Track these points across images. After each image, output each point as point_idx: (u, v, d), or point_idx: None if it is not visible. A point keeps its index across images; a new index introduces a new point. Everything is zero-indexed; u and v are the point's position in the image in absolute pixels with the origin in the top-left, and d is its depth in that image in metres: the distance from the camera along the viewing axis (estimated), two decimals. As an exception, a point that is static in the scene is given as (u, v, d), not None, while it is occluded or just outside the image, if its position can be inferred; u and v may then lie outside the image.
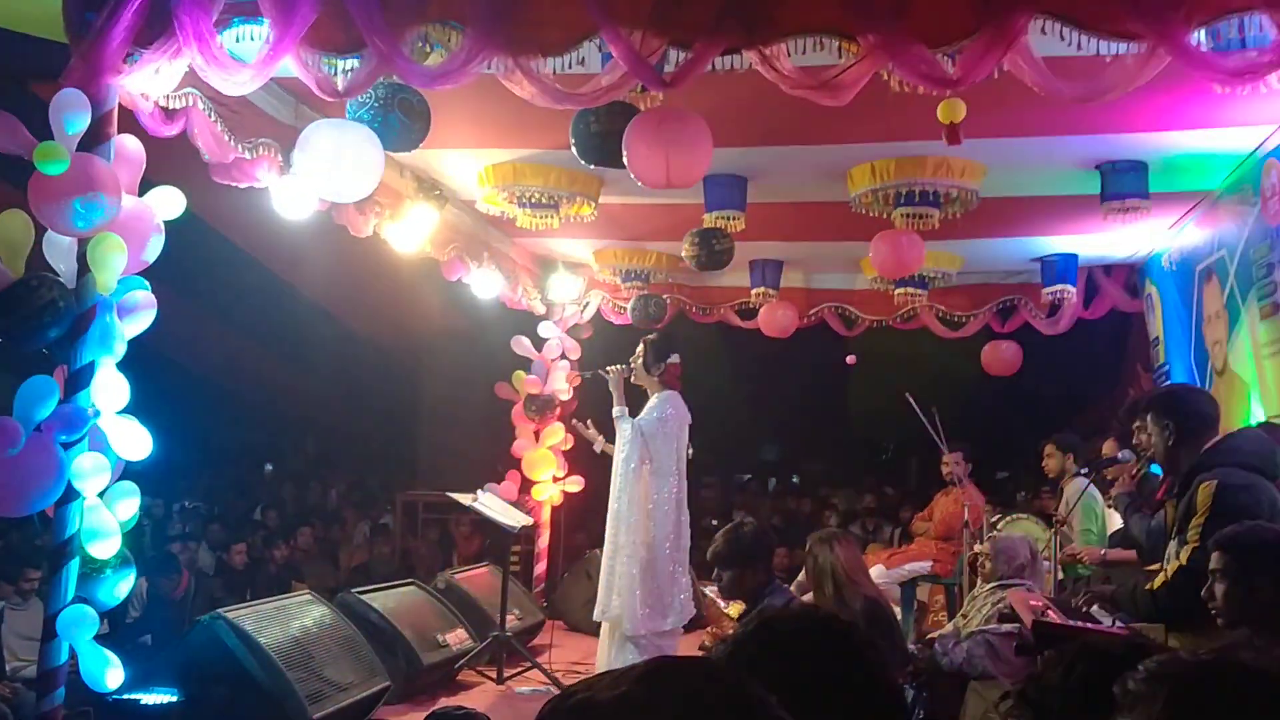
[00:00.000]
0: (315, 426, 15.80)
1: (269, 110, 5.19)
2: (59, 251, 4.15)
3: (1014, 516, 7.11)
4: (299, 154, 4.65)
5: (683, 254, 7.08)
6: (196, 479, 14.05)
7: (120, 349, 4.19)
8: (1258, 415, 6.22)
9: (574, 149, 5.08)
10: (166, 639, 6.69)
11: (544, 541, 9.41)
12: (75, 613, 4.10)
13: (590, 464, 8.49)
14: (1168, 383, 7.64)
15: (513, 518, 7.20)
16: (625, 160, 4.73)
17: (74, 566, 4.11)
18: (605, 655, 6.13)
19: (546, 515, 9.40)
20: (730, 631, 5.61)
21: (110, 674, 4.20)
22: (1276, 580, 3.12)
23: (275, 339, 12.22)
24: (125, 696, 4.37)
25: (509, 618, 6.84)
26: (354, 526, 12.19)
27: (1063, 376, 10.07)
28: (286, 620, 5.30)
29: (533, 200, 6.44)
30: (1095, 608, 4.66)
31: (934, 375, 10.17)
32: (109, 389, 4.14)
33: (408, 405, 12.88)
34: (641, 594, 5.98)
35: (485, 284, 7.96)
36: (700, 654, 6.38)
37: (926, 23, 3.66)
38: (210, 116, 4.68)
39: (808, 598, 4.97)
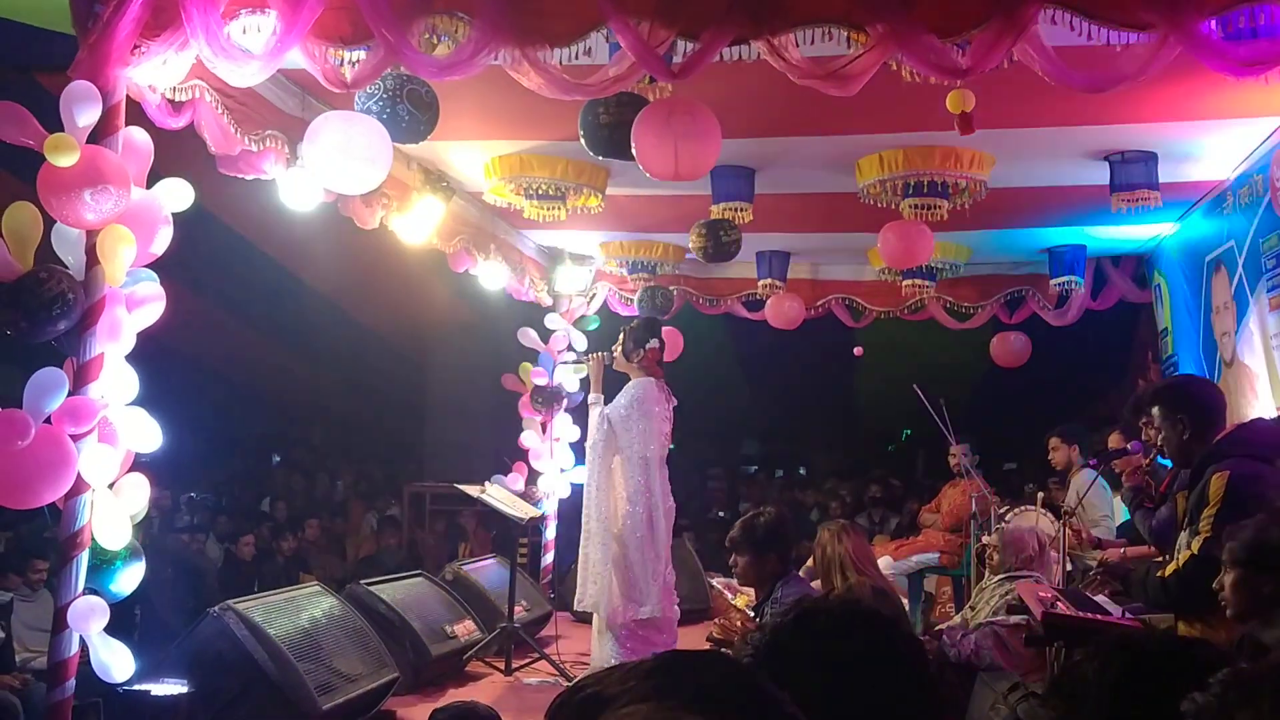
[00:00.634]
0: (322, 418, 15.83)
1: (276, 102, 5.18)
2: (68, 243, 4.15)
3: (1023, 508, 7.09)
4: (306, 146, 4.64)
5: (690, 245, 7.07)
6: (203, 471, 14.08)
7: (129, 341, 4.19)
8: (1267, 406, 6.21)
9: (582, 140, 5.07)
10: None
11: (551, 533, 9.41)
12: (86, 604, 4.11)
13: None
14: (1173, 376, 7.62)
15: (520, 509, 7.21)
16: (634, 152, 4.72)
17: (84, 558, 4.12)
18: (594, 644, 6.23)
19: (554, 507, 9.41)
20: (738, 623, 5.65)
21: (120, 665, 4.21)
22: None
23: (282, 330, 12.23)
24: (135, 688, 4.38)
25: (517, 609, 6.85)
26: (361, 518, 12.23)
27: (1071, 368, 10.05)
28: (295, 611, 5.31)
29: (540, 192, 6.43)
30: (1102, 597, 4.66)
31: (942, 366, 10.17)
32: (118, 381, 4.15)
33: (414, 397, 12.90)
34: (615, 583, 6.03)
35: (492, 276, 7.96)
36: (709, 646, 6.40)
37: (936, 12, 3.65)
38: (217, 108, 4.68)
39: (815, 586, 4.97)
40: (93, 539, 4.13)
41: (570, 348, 9.28)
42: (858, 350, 10.83)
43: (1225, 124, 5.67)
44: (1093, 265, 8.74)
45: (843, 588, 5.04)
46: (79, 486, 4.08)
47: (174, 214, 4.35)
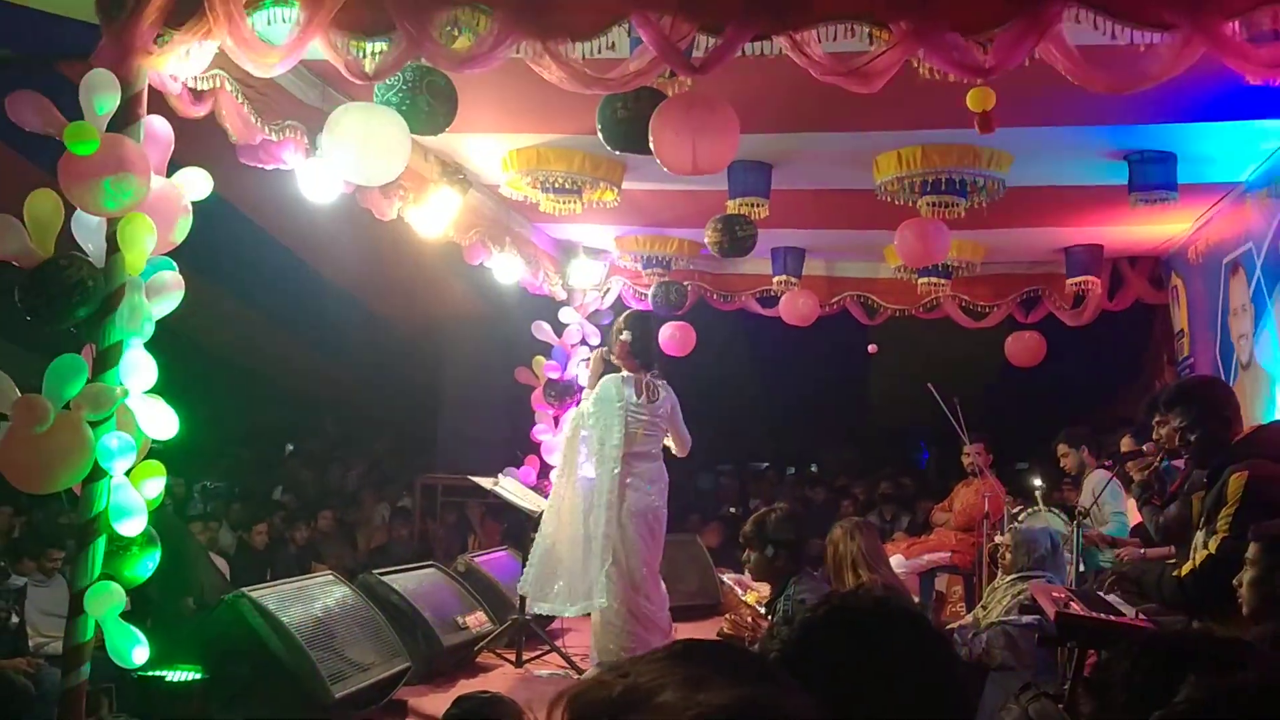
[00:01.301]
0: (335, 408, 15.86)
1: (296, 93, 5.20)
2: (88, 231, 4.17)
3: (1035, 509, 7.10)
4: (326, 136, 4.66)
5: (705, 240, 7.07)
6: (217, 459, 14.12)
7: (148, 329, 4.21)
8: (1283, 409, 6.18)
9: (600, 135, 5.07)
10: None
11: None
12: (102, 589, 4.13)
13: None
14: (1190, 376, 7.59)
15: (533, 502, 7.23)
16: (651, 146, 4.72)
17: (100, 544, 4.14)
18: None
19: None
20: (749, 619, 5.64)
21: (136, 651, 4.24)
22: None
23: (297, 321, 12.26)
24: (150, 674, 4.41)
25: (528, 602, 6.85)
26: (373, 508, 12.25)
27: (1086, 368, 10.01)
28: (309, 600, 5.34)
29: (556, 185, 6.43)
30: (1114, 597, 4.66)
31: (956, 365, 10.13)
32: (137, 368, 4.17)
33: (427, 388, 12.91)
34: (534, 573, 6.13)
35: (507, 269, 7.96)
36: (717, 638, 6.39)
37: (959, 10, 3.65)
38: (238, 98, 4.70)
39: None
40: (109, 525, 4.15)
41: (584, 342, 9.29)
42: (872, 348, 10.81)
43: (1244, 126, 5.65)
44: (1110, 265, 8.71)
45: (853, 585, 5.04)
46: (96, 473, 4.10)
47: (192, 203, 4.37)
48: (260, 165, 5.26)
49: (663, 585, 6.27)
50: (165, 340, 4.32)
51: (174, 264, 4.36)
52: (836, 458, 14.45)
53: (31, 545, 8.22)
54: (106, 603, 4.12)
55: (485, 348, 11.22)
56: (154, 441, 4.31)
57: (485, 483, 7.15)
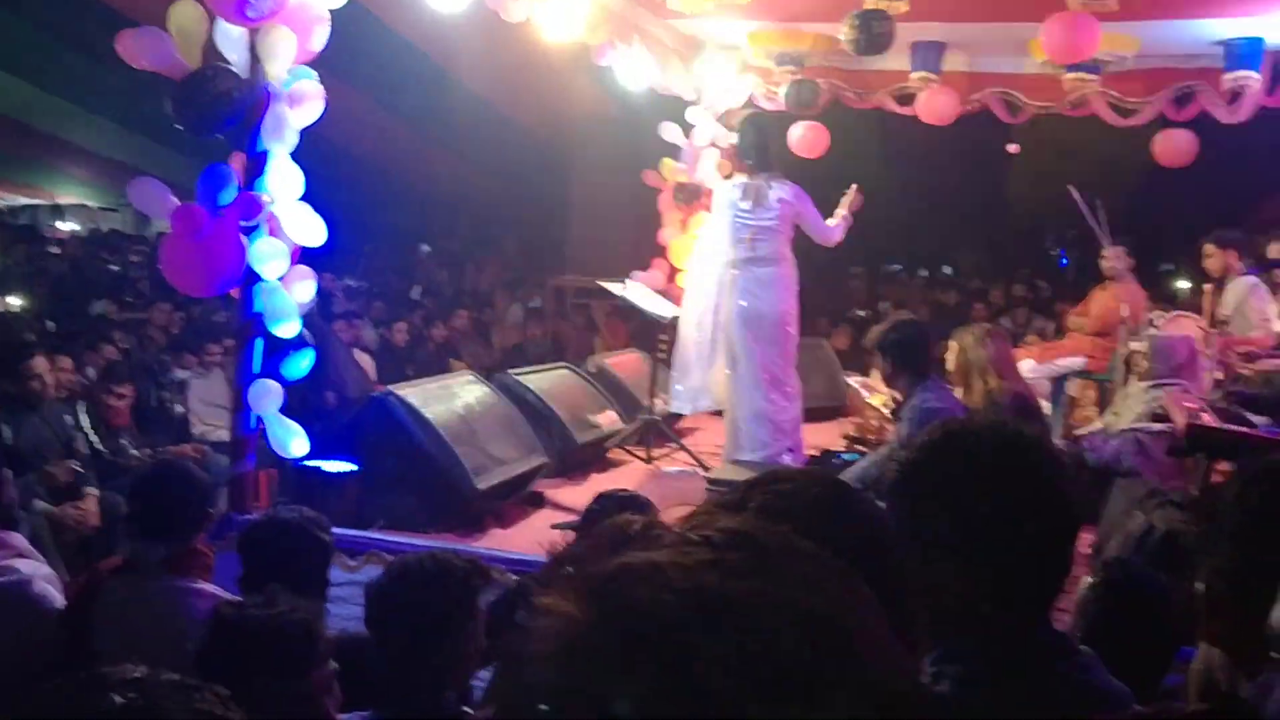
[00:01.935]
0: (469, 210, 16.11)
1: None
2: (230, 41, 4.27)
3: (1175, 314, 6.91)
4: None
5: (841, 38, 6.82)
6: (356, 259, 14.60)
7: (292, 139, 4.34)
8: None
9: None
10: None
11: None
12: (262, 386, 4.43)
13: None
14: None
15: (662, 308, 7.33)
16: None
17: (259, 344, 4.42)
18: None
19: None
20: (874, 421, 5.74)
21: (295, 442, 4.56)
22: None
23: (430, 124, 12.35)
24: (309, 463, 4.74)
25: (657, 402, 7.07)
26: (506, 309, 12.61)
27: (1239, 169, 9.50)
28: (450, 398, 5.59)
29: (687, -26, 6.24)
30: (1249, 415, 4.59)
31: (1101, 165, 9.73)
32: (284, 177, 4.33)
33: (556, 191, 13.00)
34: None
35: (635, 66, 7.83)
36: (845, 443, 6.52)
37: None
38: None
39: (958, 392, 5.00)
40: (266, 327, 4.41)
41: (713, 144, 9.18)
42: (1013, 147, 10.41)
43: None
44: (1271, 59, 8.13)
45: (982, 391, 5.05)
46: (251, 277, 4.33)
47: (330, 11, 4.42)
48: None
49: (792, 387, 6.33)
50: (307, 146, 4.46)
51: (314, 73, 4.45)
52: (970, 260, 14.18)
53: (191, 340, 8.77)
54: (267, 398, 4.42)
55: (613, 150, 11.18)
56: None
57: (614, 287, 7.26)
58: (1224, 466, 4.13)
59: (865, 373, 7.83)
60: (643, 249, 9.56)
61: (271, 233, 4.37)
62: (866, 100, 9.18)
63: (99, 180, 16.22)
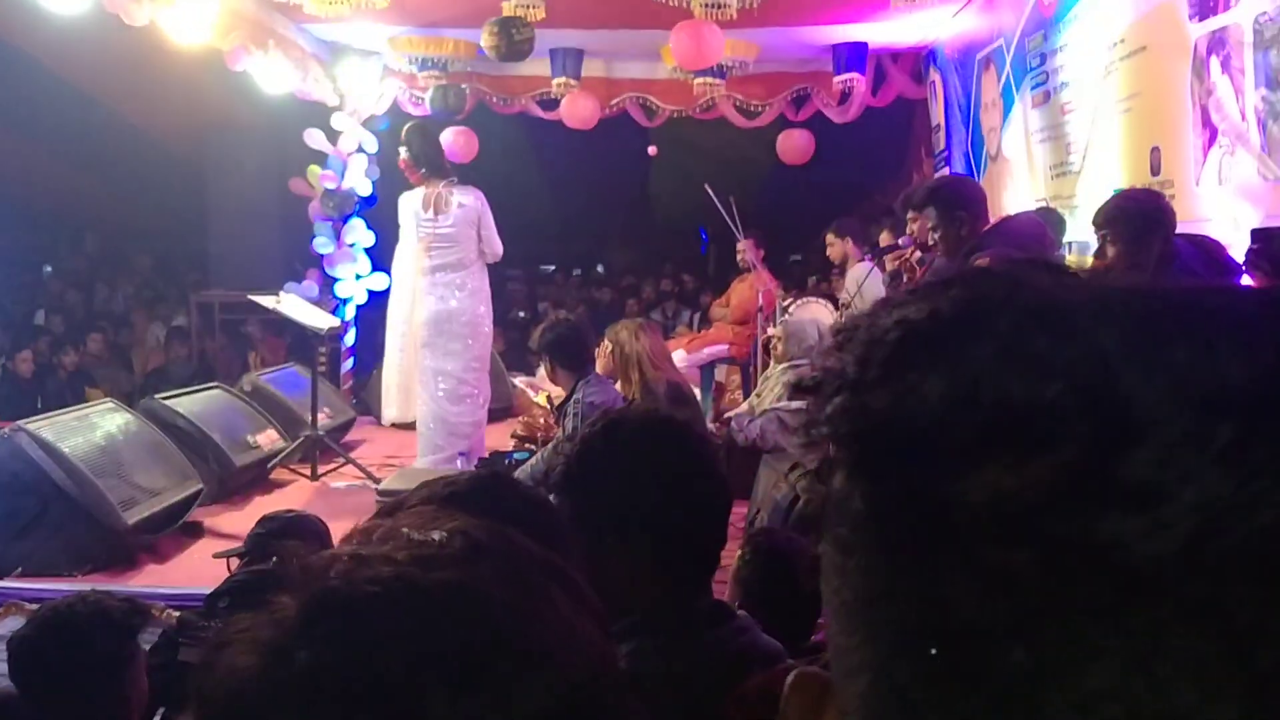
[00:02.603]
0: (94, 225, 14.92)
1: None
2: None
3: (804, 300, 7.50)
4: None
5: (481, 44, 6.91)
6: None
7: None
8: (1026, 198, 6.70)
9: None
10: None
11: (350, 339, 9.38)
12: None
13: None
14: (940, 176, 8.05)
15: (319, 320, 7.13)
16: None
17: None
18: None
19: (351, 313, 9.34)
20: (540, 420, 5.87)
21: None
22: None
23: (47, 135, 11.33)
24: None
25: (321, 416, 6.87)
26: (146, 329, 11.79)
27: (852, 163, 10.44)
28: (89, 429, 5.20)
29: (321, -17, 6.12)
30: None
31: (732, 165, 10.39)
32: None
33: (193, 201, 12.27)
34: None
35: (272, 74, 7.57)
36: (514, 442, 6.63)
37: None
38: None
39: (617, 385, 5.21)
40: None
41: (361, 149, 9.03)
42: (652, 149, 10.94)
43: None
44: (874, 62, 9.01)
45: (639, 383, 5.29)
46: None
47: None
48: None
49: (477, 391, 6.36)
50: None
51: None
52: (621, 258, 14.72)
53: None
54: None
55: (256, 158, 10.72)
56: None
57: (266, 301, 6.98)
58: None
59: (531, 373, 7.98)
60: (294, 260, 9.25)
61: None
62: (512, 105, 9.36)
63: None
